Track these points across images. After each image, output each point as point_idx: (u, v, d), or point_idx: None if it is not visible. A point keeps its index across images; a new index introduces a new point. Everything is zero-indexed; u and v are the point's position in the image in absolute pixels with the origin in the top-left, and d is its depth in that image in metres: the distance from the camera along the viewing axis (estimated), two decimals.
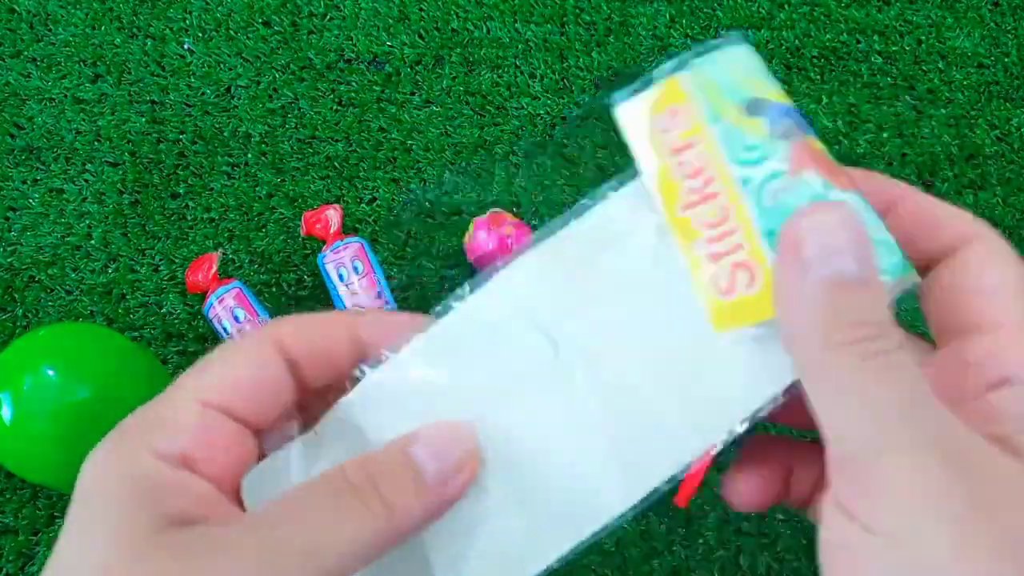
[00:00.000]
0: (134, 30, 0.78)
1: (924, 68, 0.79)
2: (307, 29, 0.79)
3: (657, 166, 0.25)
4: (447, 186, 0.73)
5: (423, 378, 0.26)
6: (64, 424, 0.55)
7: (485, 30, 0.79)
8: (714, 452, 0.24)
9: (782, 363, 0.23)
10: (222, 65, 0.77)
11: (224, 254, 0.69)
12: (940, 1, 0.81)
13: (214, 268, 0.66)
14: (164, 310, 0.68)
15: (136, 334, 0.67)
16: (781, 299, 0.22)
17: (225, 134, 0.74)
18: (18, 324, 0.67)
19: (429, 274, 0.70)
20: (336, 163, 0.74)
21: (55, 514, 0.61)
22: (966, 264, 0.24)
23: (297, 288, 0.69)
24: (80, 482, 0.24)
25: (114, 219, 0.71)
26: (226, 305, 0.65)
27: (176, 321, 0.67)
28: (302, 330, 0.26)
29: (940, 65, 0.79)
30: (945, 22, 0.80)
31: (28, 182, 0.72)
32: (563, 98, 0.77)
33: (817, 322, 0.21)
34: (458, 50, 0.78)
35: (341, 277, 0.65)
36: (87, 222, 0.71)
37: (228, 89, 0.76)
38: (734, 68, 0.25)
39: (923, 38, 0.80)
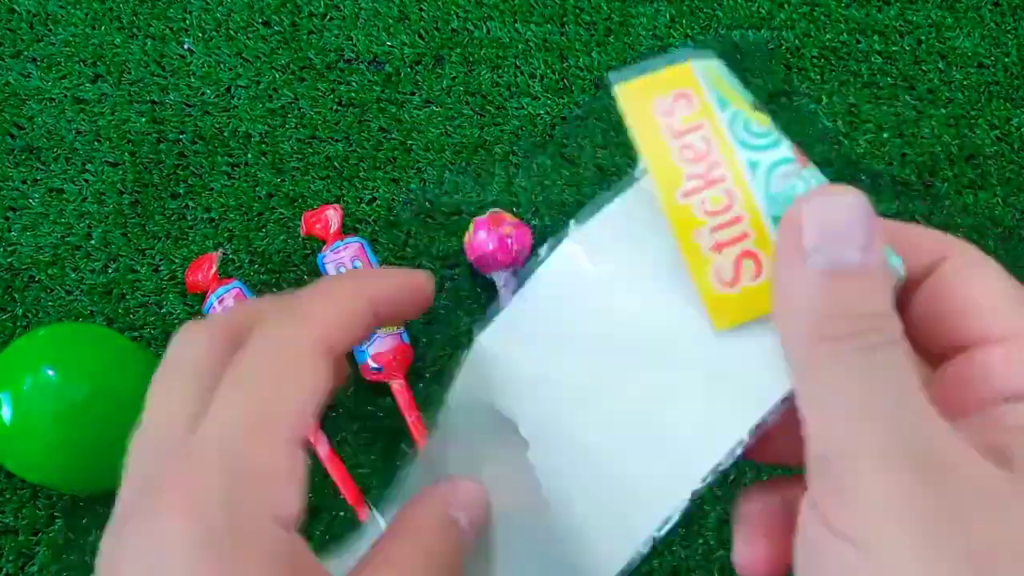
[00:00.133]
0: (134, 30, 0.78)
1: (924, 68, 0.79)
2: (307, 29, 0.79)
3: (657, 147, 0.24)
4: (447, 186, 0.73)
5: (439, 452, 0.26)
6: (64, 424, 0.55)
7: (485, 30, 0.79)
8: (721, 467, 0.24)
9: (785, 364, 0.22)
10: (222, 65, 0.77)
11: (224, 254, 0.69)
12: (940, 1, 0.81)
13: (214, 268, 0.66)
14: (164, 310, 0.68)
15: (136, 334, 0.67)
16: (777, 287, 0.22)
17: (225, 134, 0.74)
18: (18, 324, 0.67)
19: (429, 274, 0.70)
20: (336, 163, 0.74)
21: (55, 514, 0.61)
22: (945, 281, 0.24)
23: (297, 288, 0.69)
24: (204, 556, 0.19)
25: (114, 219, 0.71)
26: (226, 305, 0.65)
27: (176, 321, 0.67)
28: (343, 320, 0.25)
29: (940, 65, 0.79)
30: (945, 22, 0.80)
31: (28, 182, 0.72)
32: (563, 98, 0.77)
33: (810, 313, 0.21)
34: (458, 50, 0.78)
35: None
36: (87, 222, 0.71)
37: (228, 89, 0.76)
38: (726, 71, 0.25)
39: (923, 38, 0.80)
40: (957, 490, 0.18)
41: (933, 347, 0.24)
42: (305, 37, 0.78)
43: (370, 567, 0.23)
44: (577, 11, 0.80)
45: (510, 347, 0.26)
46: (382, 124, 0.75)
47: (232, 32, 0.78)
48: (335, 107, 0.76)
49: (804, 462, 0.23)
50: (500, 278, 0.66)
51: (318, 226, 0.68)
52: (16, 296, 0.68)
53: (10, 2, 0.79)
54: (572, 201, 0.74)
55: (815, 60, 0.79)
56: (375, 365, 0.63)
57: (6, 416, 0.55)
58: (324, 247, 0.67)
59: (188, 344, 0.24)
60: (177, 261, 0.70)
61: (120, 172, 0.73)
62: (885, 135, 0.77)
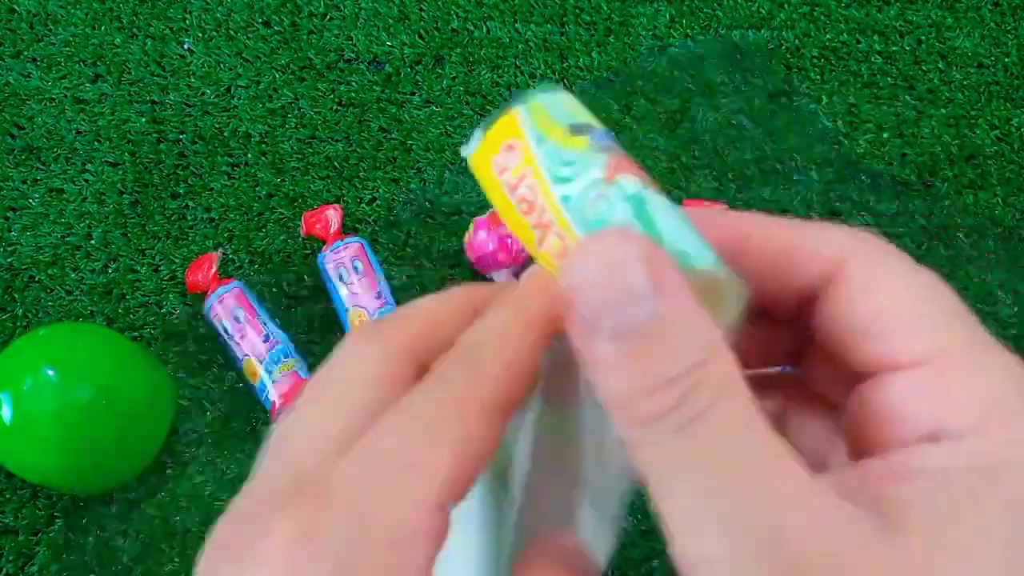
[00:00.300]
0: (134, 30, 0.78)
1: (924, 68, 0.79)
2: (307, 29, 0.79)
3: (506, 208, 0.23)
4: (447, 186, 0.73)
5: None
6: (64, 424, 0.55)
7: (485, 30, 0.79)
8: None
9: None
10: (222, 65, 0.77)
11: (224, 254, 0.69)
12: (940, 1, 0.81)
13: (214, 268, 0.66)
14: (164, 310, 0.68)
15: (136, 334, 0.67)
16: (593, 379, 0.18)
17: (225, 134, 0.74)
18: (18, 324, 0.67)
19: (429, 274, 0.70)
20: (336, 163, 0.74)
21: (55, 514, 0.61)
22: (844, 293, 0.19)
23: (297, 288, 0.69)
24: None
25: (114, 219, 0.71)
26: (226, 305, 0.65)
27: (176, 321, 0.67)
28: (519, 384, 0.20)
29: (940, 65, 0.79)
30: (945, 22, 0.80)
31: (28, 182, 0.72)
32: None
33: (620, 395, 0.17)
34: (458, 50, 0.78)
35: (341, 277, 0.65)
36: (87, 222, 0.71)
37: (228, 89, 0.76)
38: (563, 100, 0.24)
39: (923, 38, 0.80)
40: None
41: (843, 367, 0.20)
42: (305, 37, 0.78)
43: None
44: (577, 11, 0.80)
45: None
46: (382, 124, 0.75)
47: (232, 32, 0.78)
48: (335, 107, 0.76)
49: None
50: (500, 278, 0.66)
51: (318, 226, 0.68)
52: (16, 296, 0.68)
53: (10, 2, 0.79)
54: None
55: (815, 60, 0.79)
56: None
57: (6, 416, 0.55)
58: (324, 247, 0.67)
59: (362, 357, 0.21)
60: (177, 261, 0.70)
61: (120, 172, 0.73)
62: (885, 135, 0.77)
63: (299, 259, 0.70)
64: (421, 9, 0.79)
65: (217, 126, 0.75)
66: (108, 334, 0.62)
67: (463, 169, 0.74)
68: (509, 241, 0.65)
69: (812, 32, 0.80)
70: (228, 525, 0.19)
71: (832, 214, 0.75)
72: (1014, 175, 0.76)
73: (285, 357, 0.64)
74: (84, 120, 0.74)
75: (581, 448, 0.23)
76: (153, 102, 0.75)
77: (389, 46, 0.78)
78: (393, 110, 0.76)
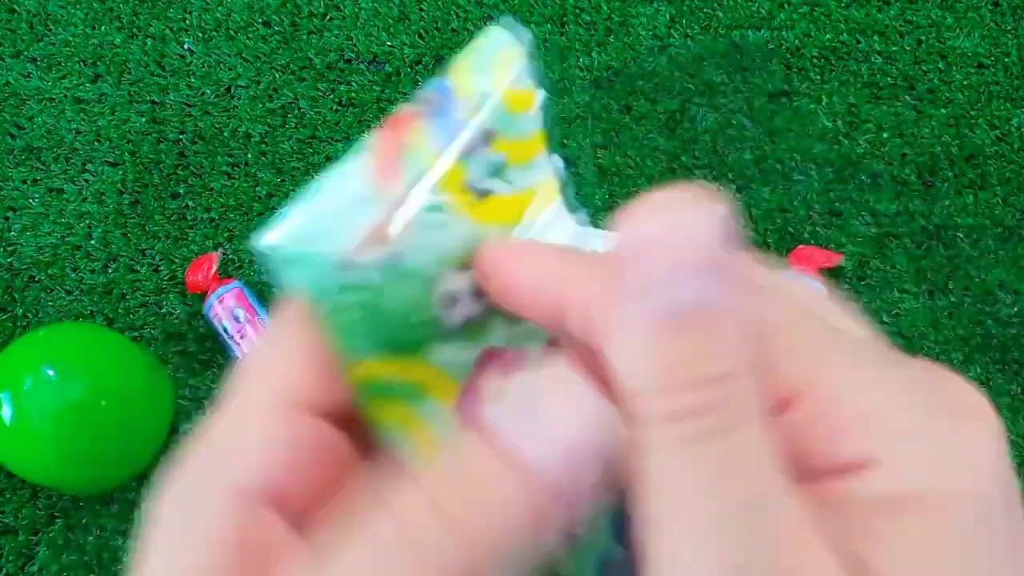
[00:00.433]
0: (134, 30, 0.78)
1: (924, 68, 0.79)
2: (307, 29, 0.79)
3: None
4: None
5: None
6: (64, 424, 0.55)
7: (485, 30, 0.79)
8: None
9: None
10: (222, 65, 0.77)
11: (224, 254, 0.69)
12: (940, 1, 0.81)
13: (214, 268, 0.66)
14: (164, 310, 0.68)
15: (136, 334, 0.67)
16: (603, 342, 0.16)
17: (225, 134, 0.74)
18: (18, 324, 0.67)
19: None
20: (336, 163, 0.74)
21: (55, 514, 0.61)
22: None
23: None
24: (144, 537, 0.17)
25: (114, 219, 0.71)
26: (226, 305, 0.65)
27: (176, 321, 0.67)
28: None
29: (940, 65, 0.79)
30: (945, 22, 0.80)
31: (28, 182, 0.72)
32: (563, 98, 0.77)
33: (646, 378, 0.15)
34: (458, 50, 0.78)
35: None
36: (87, 222, 0.71)
37: (228, 89, 0.76)
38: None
39: (923, 38, 0.80)
40: None
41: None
42: (305, 37, 0.78)
43: None
44: (577, 11, 0.80)
45: None
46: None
47: (232, 32, 0.78)
48: (335, 107, 0.76)
49: None
50: None
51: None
52: (16, 296, 0.68)
53: (10, 2, 0.79)
54: (572, 201, 0.74)
55: (815, 60, 0.79)
56: None
57: (6, 416, 0.55)
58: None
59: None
60: (177, 261, 0.70)
61: (120, 172, 0.73)
62: (885, 135, 0.77)
63: None
64: (421, 9, 0.79)
65: (217, 126, 0.75)
66: (108, 334, 0.62)
67: None
68: None
69: (812, 32, 0.80)
70: None
71: (832, 214, 0.75)
72: (1014, 175, 0.76)
73: None
74: (84, 120, 0.74)
75: None
76: (153, 102, 0.75)
77: (389, 46, 0.78)
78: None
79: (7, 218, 0.71)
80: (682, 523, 0.15)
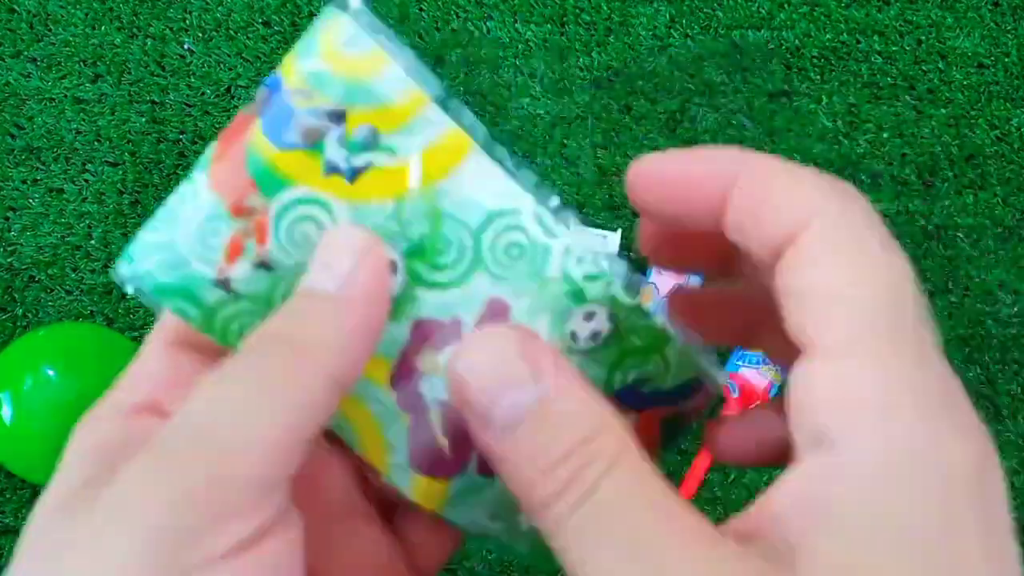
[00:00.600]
0: (134, 30, 0.78)
1: (924, 68, 0.79)
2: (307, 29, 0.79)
3: None
4: None
5: None
6: (64, 424, 0.55)
7: (485, 30, 0.79)
8: None
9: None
10: (222, 65, 0.77)
11: None
12: (940, 1, 0.81)
13: None
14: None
15: (136, 334, 0.67)
16: (498, 470, 0.19)
17: None
18: (18, 324, 0.67)
19: None
20: None
21: None
22: (790, 261, 0.18)
23: None
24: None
25: (114, 219, 0.71)
26: None
27: None
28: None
29: (940, 65, 0.79)
30: (945, 22, 0.80)
31: (28, 182, 0.72)
32: (563, 98, 0.77)
33: (523, 480, 0.18)
34: (458, 50, 0.78)
35: None
36: (87, 222, 0.71)
37: (228, 89, 0.76)
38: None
39: (923, 38, 0.80)
40: None
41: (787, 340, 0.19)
42: None
43: None
44: (577, 11, 0.80)
45: None
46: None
47: (232, 32, 0.78)
48: None
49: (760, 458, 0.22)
50: None
51: None
52: (16, 296, 0.68)
53: (10, 2, 0.79)
54: (572, 201, 0.74)
55: (815, 60, 0.79)
56: None
57: (6, 416, 0.55)
58: None
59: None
60: None
61: (120, 172, 0.73)
62: (885, 135, 0.77)
63: None
64: (421, 9, 0.79)
65: (217, 126, 0.75)
66: (108, 334, 0.62)
67: None
68: None
69: (812, 32, 0.80)
70: (58, 497, 0.18)
71: None
72: (1014, 175, 0.76)
73: None
74: (84, 120, 0.74)
75: None
76: (153, 102, 0.75)
77: None
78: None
79: (7, 218, 0.71)
80: (579, 564, 0.17)
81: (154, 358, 0.21)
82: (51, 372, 0.56)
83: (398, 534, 0.24)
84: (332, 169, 0.20)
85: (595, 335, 0.21)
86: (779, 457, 0.22)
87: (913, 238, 0.75)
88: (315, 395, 0.18)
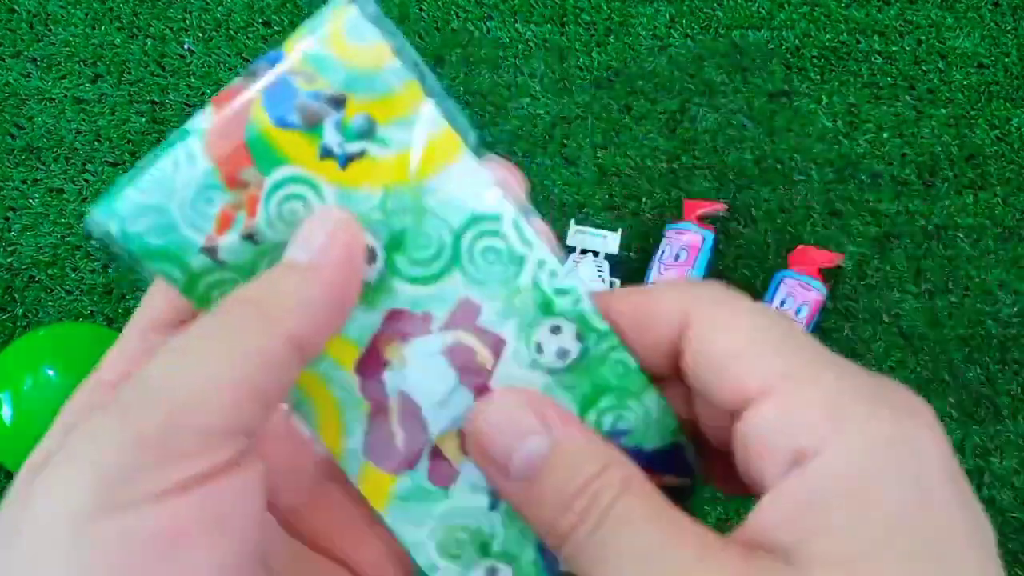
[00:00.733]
0: (134, 30, 0.78)
1: (924, 68, 0.79)
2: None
3: None
4: None
5: None
6: None
7: (485, 30, 0.79)
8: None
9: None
10: (222, 65, 0.77)
11: None
12: (940, 1, 0.81)
13: None
14: None
15: None
16: (521, 513, 0.21)
17: None
18: (18, 324, 0.67)
19: None
20: None
21: None
22: (692, 345, 0.21)
23: None
24: None
25: None
26: None
27: None
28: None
29: (940, 65, 0.79)
30: (945, 22, 0.80)
31: (28, 182, 0.72)
32: (563, 98, 0.77)
33: (545, 519, 0.20)
34: (458, 50, 0.78)
35: None
36: (87, 222, 0.71)
37: None
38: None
39: (923, 38, 0.80)
40: None
41: (718, 413, 0.21)
42: None
43: None
44: (577, 11, 0.80)
45: None
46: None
47: (232, 32, 0.78)
48: None
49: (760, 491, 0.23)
50: None
51: None
52: (16, 296, 0.68)
53: (10, 2, 0.79)
54: (572, 201, 0.74)
55: (815, 60, 0.79)
56: None
57: (6, 416, 0.55)
58: None
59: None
60: None
61: (120, 172, 0.73)
62: (885, 135, 0.77)
63: None
64: (421, 9, 0.79)
65: None
66: (108, 334, 0.62)
67: None
68: None
69: (812, 32, 0.80)
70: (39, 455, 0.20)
71: (832, 214, 0.75)
72: (1014, 175, 0.76)
73: None
74: (84, 120, 0.74)
75: None
76: (153, 102, 0.75)
77: None
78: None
79: (7, 218, 0.71)
80: None
81: (132, 341, 0.22)
82: (51, 372, 0.56)
83: None
84: (326, 153, 0.21)
85: (562, 353, 0.22)
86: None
87: (913, 238, 0.75)
88: (273, 355, 0.19)
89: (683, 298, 0.21)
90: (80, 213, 0.71)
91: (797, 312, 0.70)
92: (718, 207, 0.73)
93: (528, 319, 0.22)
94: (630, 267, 0.73)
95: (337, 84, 0.21)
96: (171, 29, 0.78)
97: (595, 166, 0.75)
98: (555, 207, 0.73)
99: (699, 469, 0.23)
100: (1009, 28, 0.80)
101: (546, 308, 0.22)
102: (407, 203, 0.21)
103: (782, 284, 0.71)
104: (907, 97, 0.78)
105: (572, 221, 0.72)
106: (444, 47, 0.78)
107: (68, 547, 0.16)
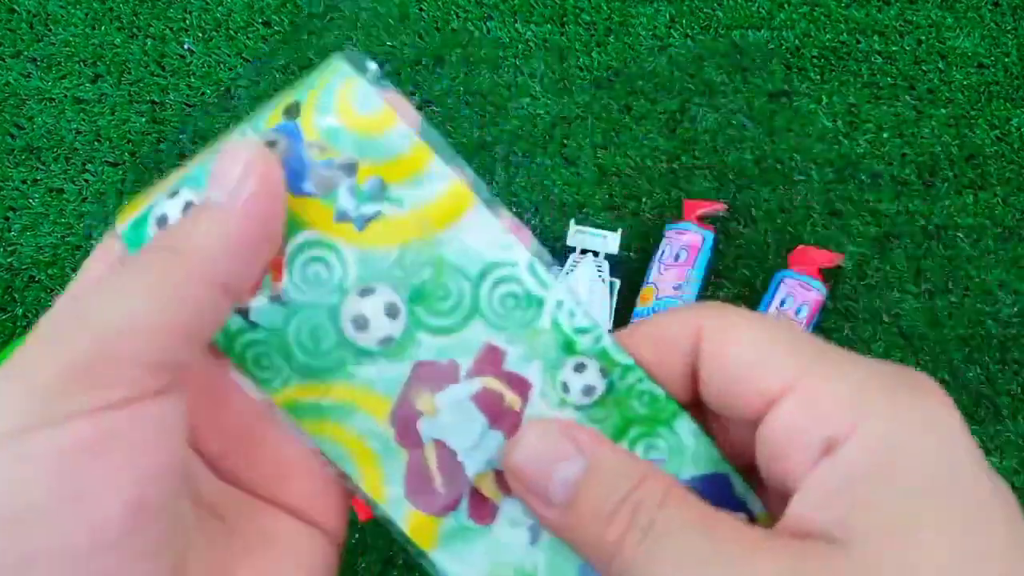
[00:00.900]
0: (134, 30, 0.78)
1: (924, 68, 0.79)
2: (307, 29, 0.79)
3: None
4: None
5: None
6: None
7: (485, 30, 0.79)
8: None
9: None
10: (222, 65, 0.77)
11: None
12: (940, 1, 0.81)
13: None
14: None
15: None
16: (565, 539, 0.22)
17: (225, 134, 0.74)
18: (18, 324, 0.67)
19: None
20: None
21: None
22: (708, 359, 0.22)
23: None
24: None
25: (114, 219, 0.71)
26: None
27: None
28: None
29: (940, 65, 0.79)
30: (945, 22, 0.80)
31: (28, 182, 0.72)
32: (563, 98, 0.77)
33: (591, 536, 0.21)
34: (458, 50, 0.78)
35: None
36: (87, 222, 0.71)
37: (228, 89, 0.76)
38: None
39: (923, 38, 0.80)
40: None
41: (744, 422, 0.22)
42: (305, 37, 0.78)
43: None
44: (577, 11, 0.80)
45: None
46: None
47: (232, 32, 0.78)
48: None
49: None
50: None
51: None
52: (16, 296, 0.68)
53: (10, 2, 0.79)
54: (572, 201, 0.74)
55: (815, 60, 0.79)
56: None
57: None
58: None
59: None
60: None
61: (120, 172, 0.73)
62: (885, 135, 0.77)
63: None
64: (421, 9, 0.79)
65: (217, 126, 0.75)
66: None
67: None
68: None
69: (812, 32, 0.80)
70: None
71: (832, 214, 0.75)
72: (1014, 175, 0.76)
73: None
74: (84, 120, 0.74)
75: None
76: (153, 102, 0.75)
77: (389, 46, 0.78)
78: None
79: (7, 218, 0.71)
80: None
81: (95, 273, 0.23)
82: None
83: None
84: (342, 216, 0.22)
85: (588, 390, 0.23)
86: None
87: (913, 238, 0.75)
88: (194, 295, 0.20)
89: (689, 320, 0.22)
90: (80, 213, 0.71)
91: (797, 312, 0.70)
92: (718, 207, 0.73)
93: (552, 360, 0.23)
94: (630, 267, 0.73)
95: (348, 152, 0.22)
96: (171, 29, 0.78)
97: (595, 166, 0.75)
98: (555, 207, 0.73)
99: (755, 505, 0.23)
100: (1009, 28, 0.80)
101: (568, 348, 0.23)
102: (424, 257, 0.22)
103: (782, 284, 0.71)
104: (907, 97, 0.78)
105: (572, 221, 0.72)
106: (444, 47, 0.78)
107: (3, 461, 0.17)
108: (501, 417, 0.23)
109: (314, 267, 0.22)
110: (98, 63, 0.77)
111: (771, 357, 0.20)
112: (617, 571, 0.20)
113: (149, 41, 0.78)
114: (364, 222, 0.22)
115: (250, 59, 0.78)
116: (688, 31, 0.79)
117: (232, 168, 0.21)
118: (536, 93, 0.77)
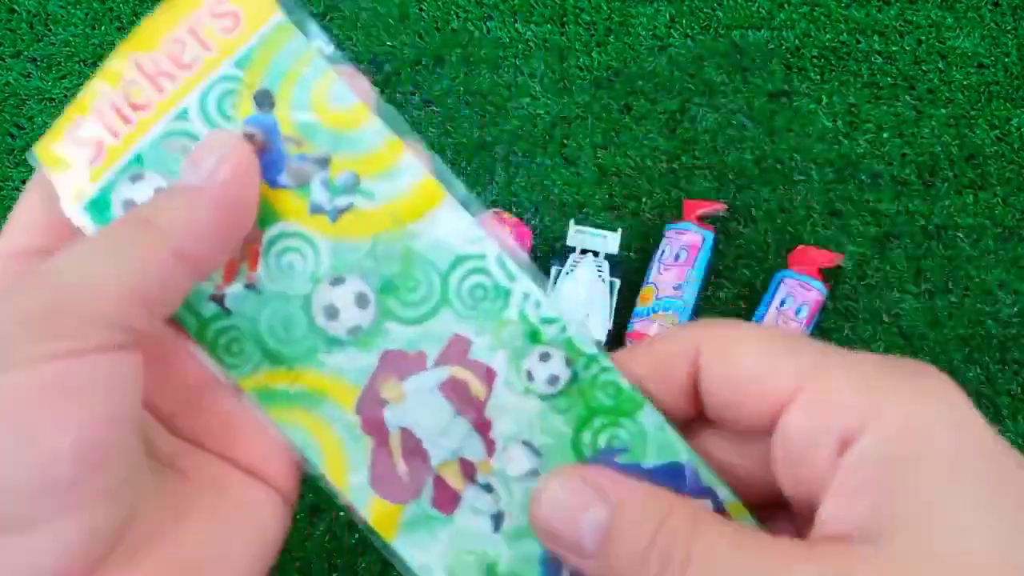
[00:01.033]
0: None
1: (924, 68, 0.79)
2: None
3: None
4: None
5: None
6: None
7: (485, 30, 0.79)
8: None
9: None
10: None
11: None
12: (940, 1, 0.81)
13: None
14: None
15: None
16: None
17: None
18: None
19: None
20: None
21: None
22: (710, 373, 0.22)
23: None
24: None
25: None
26: None
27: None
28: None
29: (940, 65, 0.79)
30: (945, 22, 0.80)
31: (28, 182, 0.72)
32: (563, 98, 0.77)
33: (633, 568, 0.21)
34: (458, 50, 0.78)
35: None
36: None
37: None
38: None
39: (923, 38, 0.80)
40: None
41: (753, 434, 0.22)
42: None
43: None
44: (577, 11, 0.80)
45: None
46: None
47: None
48: None
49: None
50: None
51: None
52: None
53: (10, 2, 0.79)
54: (572, 201, 0.74)
55: (815, 60, 0.79)
56: None
57: None
58: None
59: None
60: None
61: None
62: (885, 135, 0.77)
63: None
64: (421, 9, 0.79)
65: None
66: None
67: (463, 169, 0.74)
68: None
69: (812, 32, 0.80)
70: None
71: (832, 214, 0.75)
72: (1014, 175, 0.76)
73: None
74: None
75: None
76: None
77: (389, 46, 0.78)
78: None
79: (7, 218, 0.71)
80: None
81: (37, 208, 0.25)
82: None
83: None
84: (316, 208, 0.23)
85: (552, 379, 0.23)
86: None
87: (913, 238, 0.75)
88: (158, 266, 0.20)
89: (687, 336, 0.22)
90: None
91: (797, 312, 0.70)
92: (718, 207, 0.73)
93: (517, 349, 0.23)
94: (630, 267, 0.73)
95: (323, 146, 0.23)
96: None
97: (595, 166, 0.75)
98: (555, 207, 0.73)
99: (723, 492, 0.23)
100: (1009, 28, 0.80)
101: (534, 337, 0.23)
102: (395, 249, 0.23)
103: (782, 284, 0.71)
104: (907, 97, 0.78)
105: (572, 221, 0.72)
106: (444, 47, 0.78)
107: None
108: (467, 405, 0.23)
109: (288, 257, 0.23)
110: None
111: (774, 362, 0.20)
112: None
113: None
114: (337, 214, 0.23)
115: None
116: (688, 31, 0.79)
117: (209, 156, 0.22)
118: (536, 93, 0.77)
